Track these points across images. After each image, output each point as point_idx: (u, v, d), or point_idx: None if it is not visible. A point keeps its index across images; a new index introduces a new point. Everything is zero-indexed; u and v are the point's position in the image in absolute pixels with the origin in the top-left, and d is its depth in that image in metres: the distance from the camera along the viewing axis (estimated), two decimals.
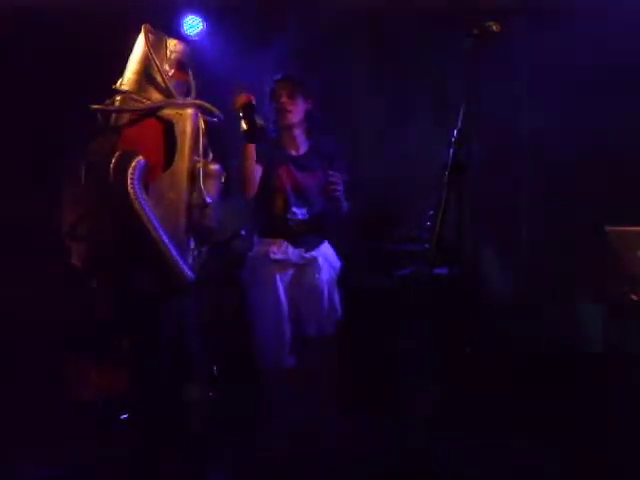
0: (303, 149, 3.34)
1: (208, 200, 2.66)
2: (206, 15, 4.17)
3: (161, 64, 2.69)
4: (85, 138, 2.72)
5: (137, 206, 2.49)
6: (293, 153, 3.32)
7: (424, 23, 4.11)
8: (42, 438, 3.30)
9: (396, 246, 4.11)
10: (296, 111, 3.26)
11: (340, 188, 3.16)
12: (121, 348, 2.83)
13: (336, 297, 3.36)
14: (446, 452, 2.85)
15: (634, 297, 2.91)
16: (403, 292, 3.76)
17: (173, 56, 2.75)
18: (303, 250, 3.27)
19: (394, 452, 3.22)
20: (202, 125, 2.73)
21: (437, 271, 2.67)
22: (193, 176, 2.65)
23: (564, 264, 3.93)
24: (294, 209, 3.26)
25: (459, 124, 2.29)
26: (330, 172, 3.17)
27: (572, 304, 3.91)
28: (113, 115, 2.69)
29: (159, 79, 2.68)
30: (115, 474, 2.90)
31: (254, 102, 2.92)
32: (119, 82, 2.73)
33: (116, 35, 3.94)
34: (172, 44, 2.76)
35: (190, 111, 2.67)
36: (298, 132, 3.32)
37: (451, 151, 2.33)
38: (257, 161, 3.11)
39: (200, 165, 2.67)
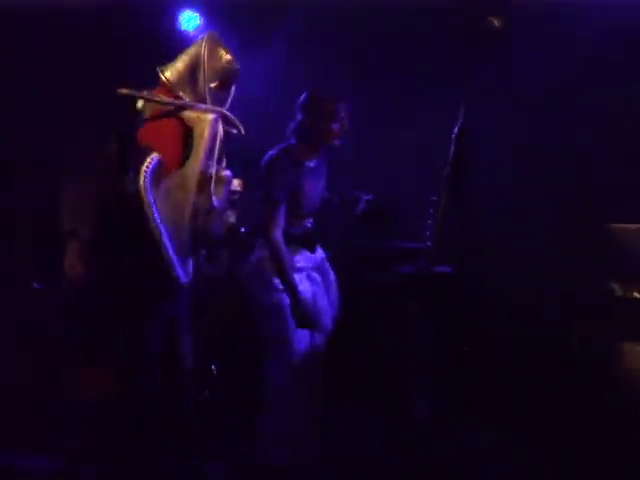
0: (316, 160, 3.27)
1: (216, 204, 2.71)
2: (204, 10, 4.15)
3: (210, 74, 2.71)
4: (98, 125, 2.73)
5: (145, 202, 2.53)
6: (310, 164, 3.22)
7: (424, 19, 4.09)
8: (41, 434, 3.31)
9: (397, 243, 4.11)
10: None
11: None
12: (116, 348, 2.84)
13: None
14: (445, 450, 2.85)
15: (637, 295, 2.90)
16: (404, 289, 3.76)
17: (223, 71, 2.75)
18: (315, 254, 3.33)
19: (392, 451, 3.22)
20: (221, 132, 2.75)
21: (438, 269, 2.67)
22: (204, 180, 2.69)
23: (564, 263, 3.92)
24: (309, 219, 3.29)
25: (459, 122, 2.28)
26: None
27: (572, 304, 3.89)
28: (139, 102, 2.67)
29: (201, 84, 2.70)
30: (114, 472, 2.90)
31: None
32: (166, 66, 2.73)
33: (115, 32, 3.97)
34: (226, 59, 2.75)
35: (211, 116, 2.70)
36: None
37: (452, 148, 2.33)
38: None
39: (213, 170, 2.71)
